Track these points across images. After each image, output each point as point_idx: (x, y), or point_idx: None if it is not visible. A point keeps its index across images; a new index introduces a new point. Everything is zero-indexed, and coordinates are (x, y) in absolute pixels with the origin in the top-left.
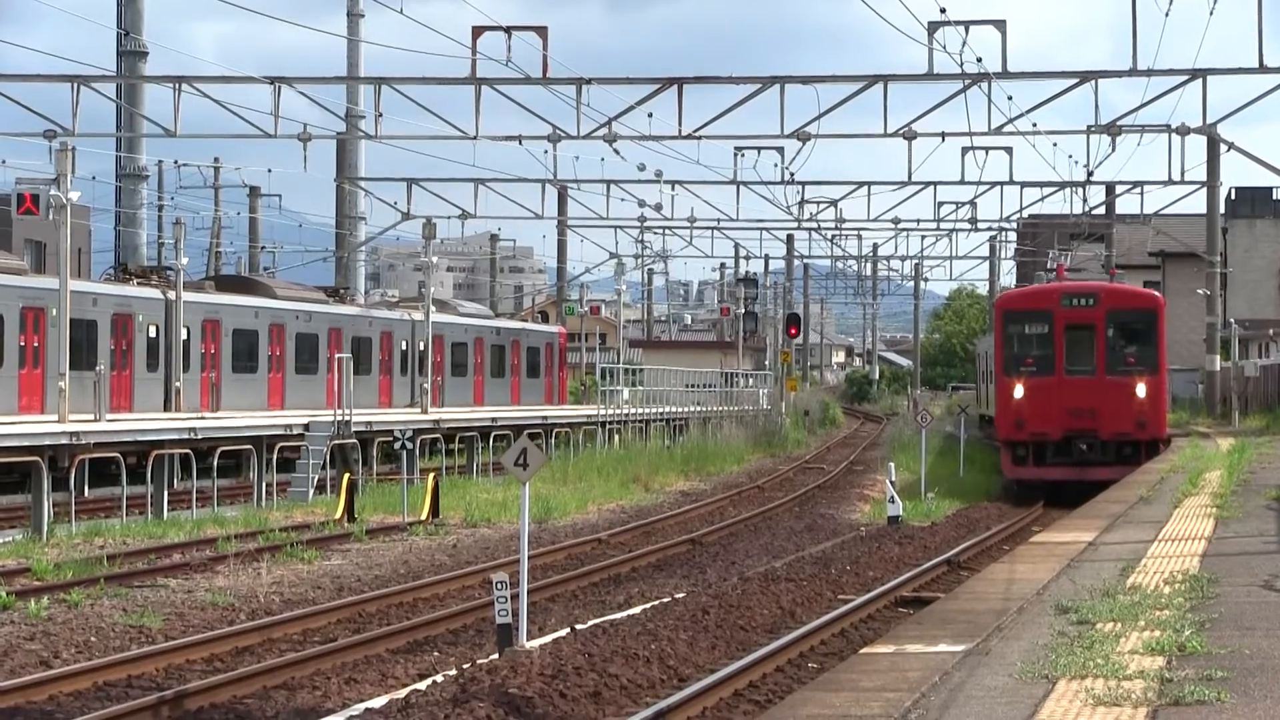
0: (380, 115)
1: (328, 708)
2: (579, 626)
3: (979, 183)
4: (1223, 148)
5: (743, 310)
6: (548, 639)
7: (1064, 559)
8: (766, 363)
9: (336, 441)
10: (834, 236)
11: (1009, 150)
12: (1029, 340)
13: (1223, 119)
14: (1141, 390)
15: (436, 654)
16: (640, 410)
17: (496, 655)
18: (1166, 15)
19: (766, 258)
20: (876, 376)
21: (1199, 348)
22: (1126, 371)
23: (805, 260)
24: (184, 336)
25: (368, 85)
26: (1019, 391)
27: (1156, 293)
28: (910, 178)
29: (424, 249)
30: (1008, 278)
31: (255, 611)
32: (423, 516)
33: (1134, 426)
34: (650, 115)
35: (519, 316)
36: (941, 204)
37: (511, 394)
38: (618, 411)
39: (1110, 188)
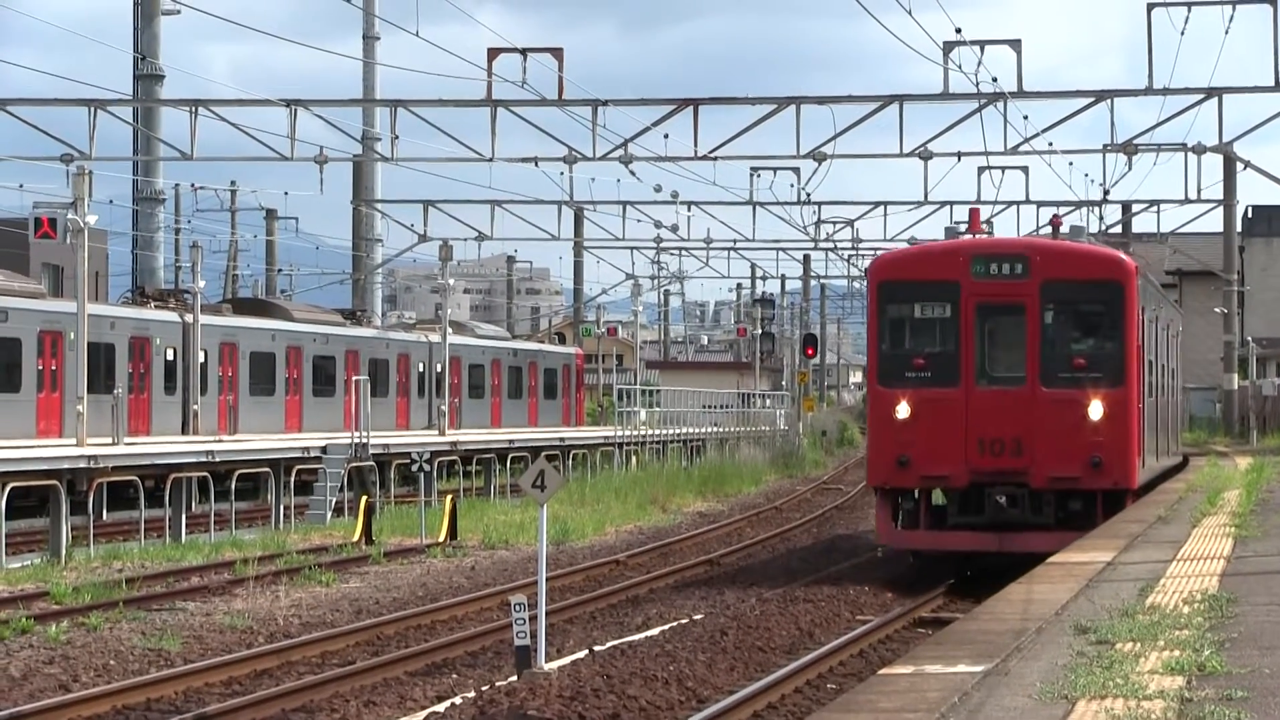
0: (396, 137)
1: None
2: (597, 648)
3: (995, 202)
4: (1239, 166)
5: (759, 331)
6: (566, 661)
7: (1083, 579)
8: (783, 383)
9: (354, 464)
10: (850, 256)
11: (1025, 169)
12: (920, 330)
13: (1239, 137)
14: (1097, 410)
15: (455, 676)
16: (657, 431)
17: (515, 677)
18: (1182, 34)
19: (783, 278)
20: None
21: (1216, 366)
22: (1074, 381)
23: (822, 280)
24: (201, 359)
25: (384, 108)
26: (901, 411)
27: (1123, 254)
28: (926, 197)
29: (441, 271)
30: None
31: (274, 634)
32: (440, 538)
33: (1084, 468)
34: (666, 136)
35: (536, 338)
36: (958, 223)
37: (529, 415)
38: (635, 433)
39: (1126, 206)
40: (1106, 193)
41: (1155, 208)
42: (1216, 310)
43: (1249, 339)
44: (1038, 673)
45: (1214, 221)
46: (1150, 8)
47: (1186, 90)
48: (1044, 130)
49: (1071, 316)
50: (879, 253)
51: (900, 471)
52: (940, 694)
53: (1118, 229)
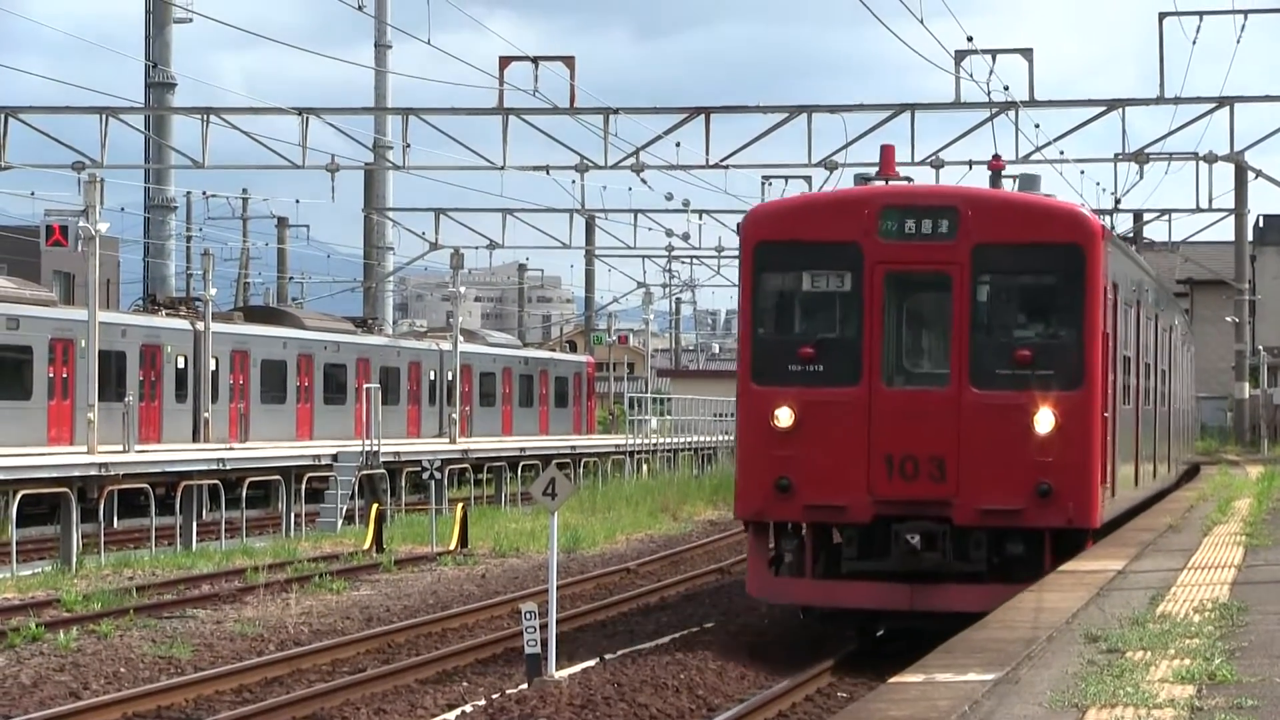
0: (408, 146)
1: None
2: (608, 656)
3: None
4: (1250, 175)
5: None
6: (576, 669)
7: (1093, 587)
8: None
9: (365, 472)
10: None
11: (1037, 178)
12: (809, 309)
13: (1250, 146)
14: (1046, 420)
15: (465, 684)
16: (668, 439)
17: (525, 685)
18: (1194, 43)
19: None
20: None
21: (1227, 375)
22: (1017, 380)
23: None
24: (212, 367)
25: (395, 116)
26: (782, 418)
27: (1083, 208)
28: None
29: (452, 279)
30: None
31: (284, 642)
32: (451, 546)
33: (1028, 498)
34: (678, 144)
35: (547, 346)
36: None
37: (540, 424)
38: (646, 441)
39: (1138, 215)
40: (1118, 201)
41: (1166, 217)
42: (1228, 319)
43: (1260, 348)
44: (1048, 681)
45: (1225, 230)
46: (1162, 17)
47: (1198, 99)
48: (1056, 139)
49: (1014, 293)
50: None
51: (779, 500)
52: (950, 702)
53: (1130, 238)
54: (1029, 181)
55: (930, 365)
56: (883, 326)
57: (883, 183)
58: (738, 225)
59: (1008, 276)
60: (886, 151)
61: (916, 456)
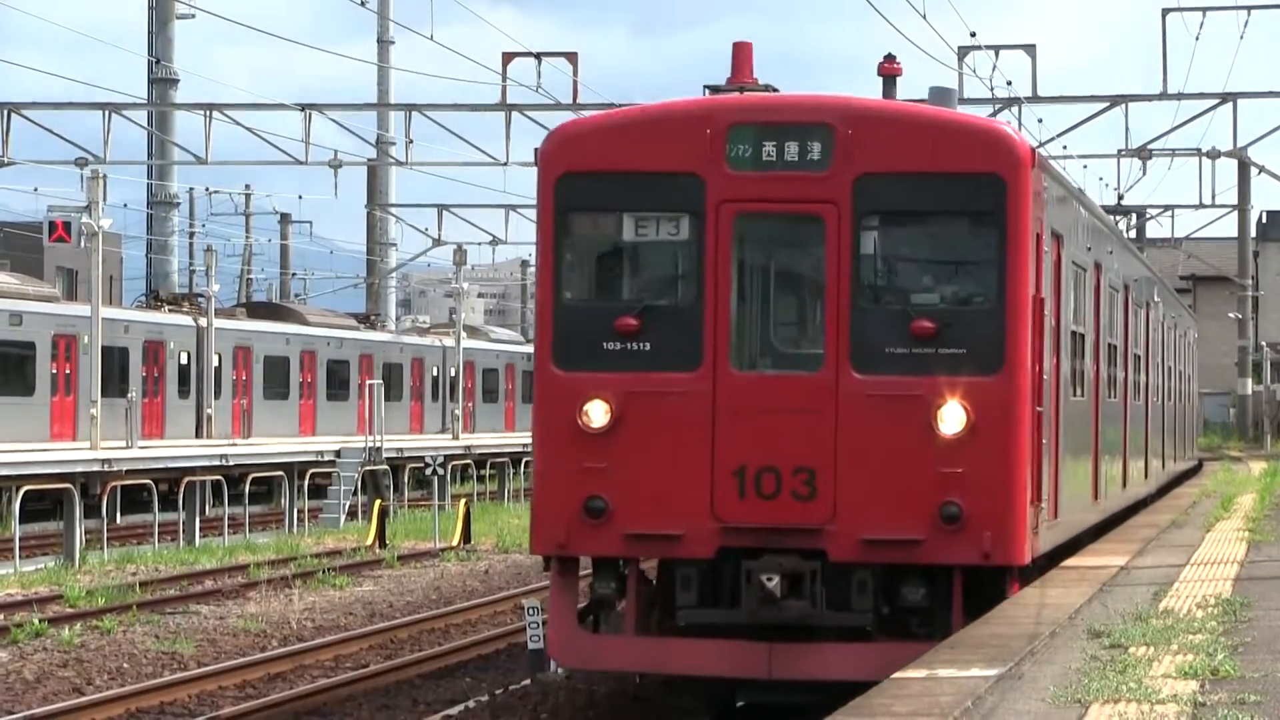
0: (411, 141)
1: None
2: None
3: None
4: (1254, 171)
5: None
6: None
7: (1096, 583)
8: None
9: (368, 468)
10: None
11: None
12: (631, 266)
13: (1253, 142)
14: (955, 417)
15: (468, 680)
16: None
17: (528, 681)
18: (1197, 39)
19: None
20: None
21: (1231, 371)
22: (914, 363)
23: None
24: (215, 363)
25: (398, 112)
26: (594, 415)
27: (1009, 128)
28: None
29: (455, 275)
30: None
31: (287, 638)
32: (454, 542)
33: (929, 524)
34: None
35: None
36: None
37: None
38: None
39: (1141, 211)
40: (1121, 197)
41: (1170, 213)
42: (1231, 315)
43: (1263, 343)
44: (1051, 677)
45: (1228, 226)
46: (1165, 13)
47: (1201, 95)
48: (1059, 135)
49: (911, 241)
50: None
51: (590, 528)
52: (953, 698)
53: (1132, 234)
54: (942, 96)
55: (797, 342)
56: (732, 289)
57: (737, 93)
58: (535, 151)
59: (902, 219)
60: (740, 50)
61: (778, 467)
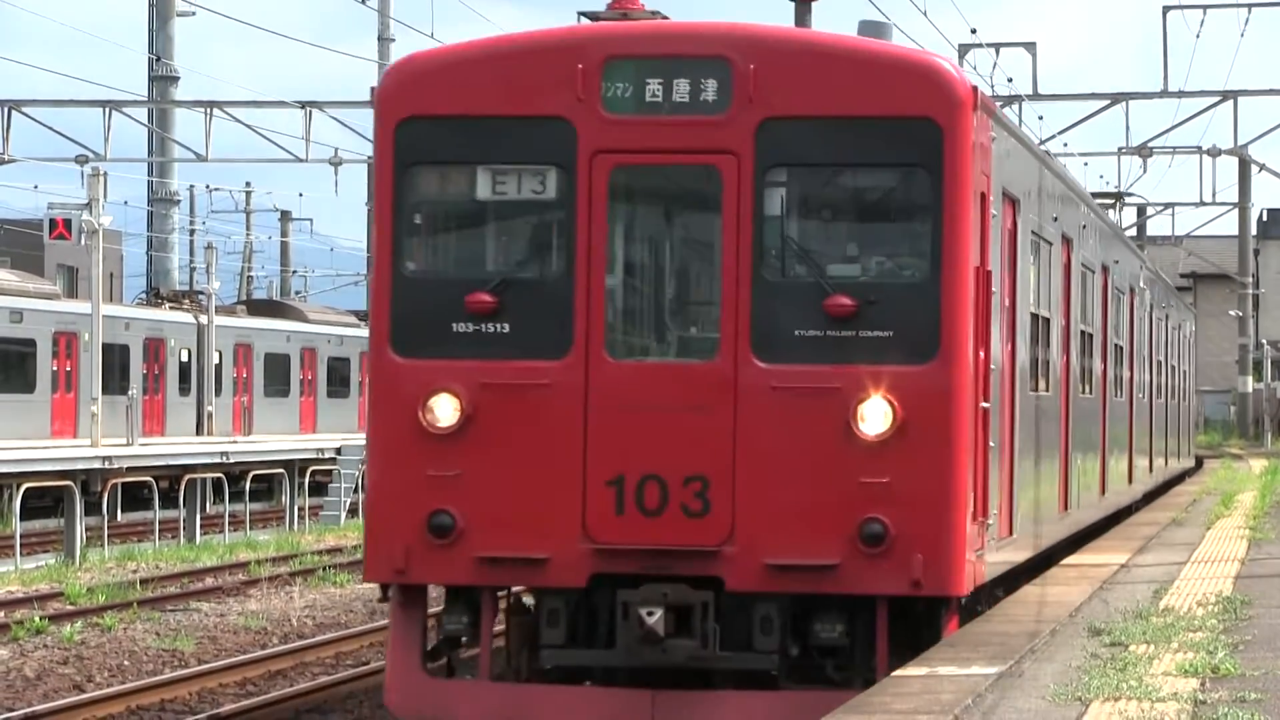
0: None
1: None
2: None
3: None
4: (1254, 169)
5: None
6: None
7: (1096, 581)
8: None
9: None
10: None
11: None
12: (487, 230)
13: (1254, 140)
14: (877, 415)
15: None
16: None
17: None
18: (1198, 37)
19: None
20: None
21: (1231, 369)
22: (830, 348)
23: None
24: (216, 360)
25: None
26: (441, 412)
27: (947, 63)
28: None
29: None
30: None
31: (288, 635)
32: None
33: (849, 546)
34: None
35: None
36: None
37: None
38: None
39: (1142, 209)
40: (1121, 195)
41: (1170, 210)
42: (1231, 313)
43: (1264, 341)
44: (1051, 674)
45: (1229, 224)
46: (1166, 10)
47: (1202, 93)
48: (1059, 132)
49: (825, 201)
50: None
51: (436, 549)
52: (954, 695)
53: (1132, 231)
54: (874, 30)
55: (687, 324)
56: (608, 259)
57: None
58: (371, 91)
59: (815, 173)
60: None
61: (663, 477)
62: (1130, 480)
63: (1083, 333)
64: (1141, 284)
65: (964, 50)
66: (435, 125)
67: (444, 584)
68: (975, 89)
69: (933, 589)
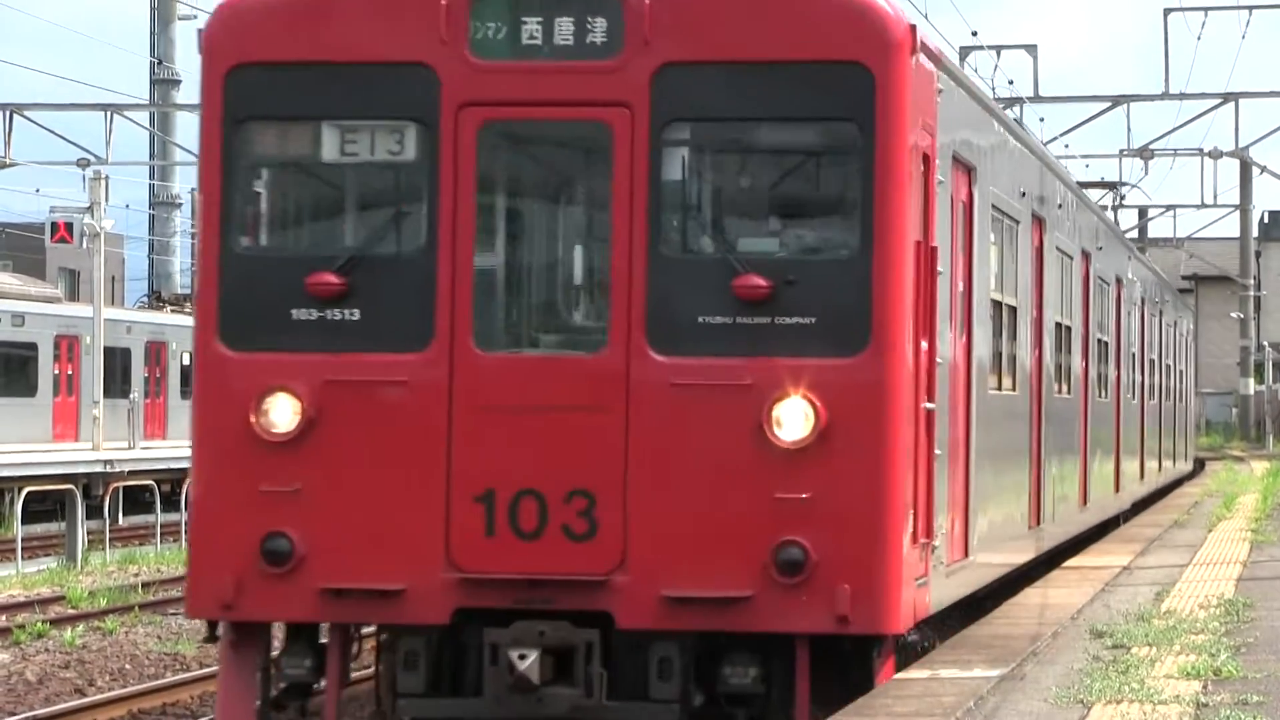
0: None
1: None
2: None
3: None
4: (1256, 171)
5: None
6: None
7: (1098, 583)
8: None
9: None
10: None
11: None
12: (333, 197)
13: (1255, 142)
14: (801, 420)
15: None
16: None
17: None
18: (1199, 39)
19: None
20: None
21: (1233, 371)
22: (740, 338)
23: None
24: None
25: None
26: (277, 414)
27: (886, 3)
28: None
29: None
30: None
31: None
32: None
33: (762, 575)
34: None
35: None
36: None
37: None
38: None
39: (1143, 211)
40: (1122, 198)
41: (1171, 212)
42: (1233, 315)
43: (1265, 344)
44: (1053, 677)
45: (1230, 226)
46: (1167, 12)
47: (1203, 95)
48: (1061, 134)
49: (736, 162)
50: None
51: (271, 579)
52: (955, 698)
53: (1134, 234)
54: None
55: (570, 310)
56: (477, 233)
57: None
58: (198, 33)
59: (723, 129)
60: None
61: (542, 492)
62: (1118, 489)
63: (1059, 325)
64: (1130, 275)
65: (965, 52)
66: (271, 73)
67: (281, 620)
68: (914, 28)
69: (862, 626)
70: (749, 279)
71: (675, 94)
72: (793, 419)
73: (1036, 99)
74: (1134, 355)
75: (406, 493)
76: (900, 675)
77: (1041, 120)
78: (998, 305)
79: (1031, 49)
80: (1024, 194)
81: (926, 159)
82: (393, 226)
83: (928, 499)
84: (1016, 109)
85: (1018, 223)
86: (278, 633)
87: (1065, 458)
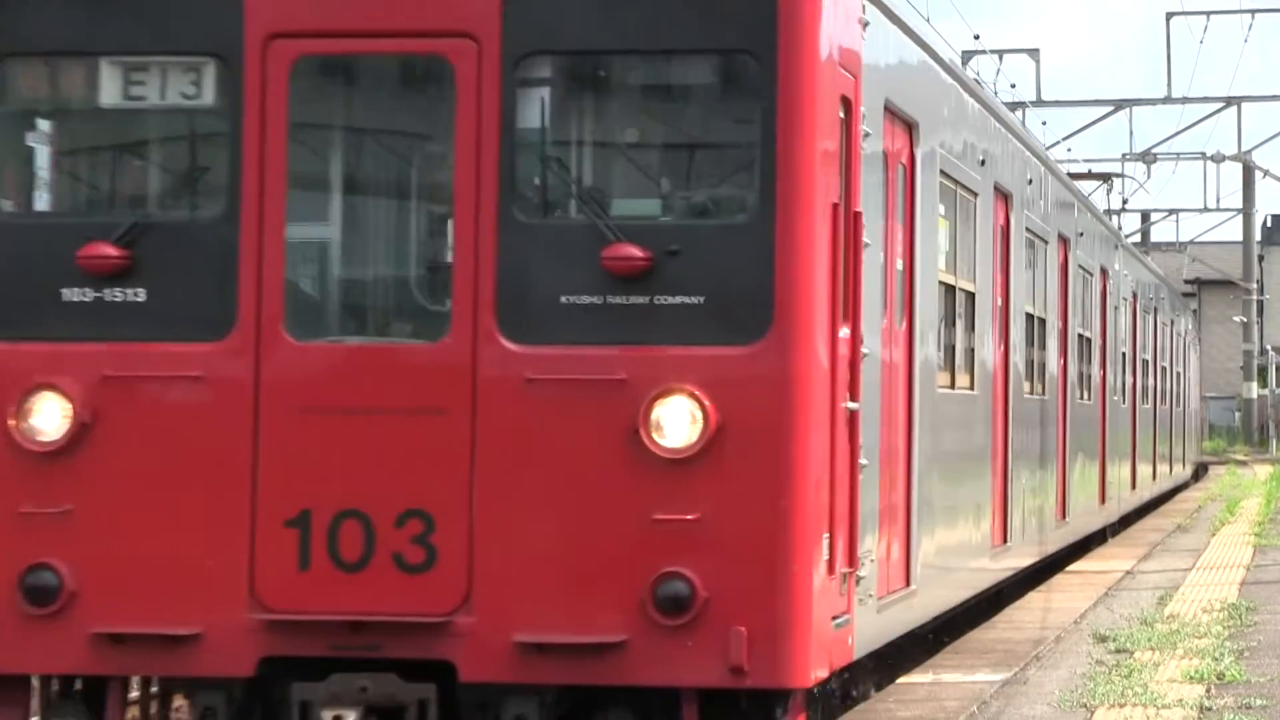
0: None
1: None
2: None
3: None
4: (1258, 175)
5: None
6: None
7: (1101, 588)
8: None
9: None
10: None
11: None
12: (111, 151)
13: (1258, 146)
14: (685, 423)
15: None
16: None
17: None
18: (1201, 43)
19: None
20: None
21: (1236, 375)
22: (616, 324)
23: None
24: None
25: None
26: (43, 421)
27: None
28: None
29: None
30: None
31: None
32: None
33: (639, 615)
34: None
35: None
36: None
37: None
38: None
39: (1145, 215)
40: (1125, 201)
41: (1174, 216)
42: (1236, 319)
43: (1268, 347)
44: (1056, 681)
45: (1233, 230)
46: (1169, 16)
47: (1205, 99)
48: (1063, 139)
49: (606, 106)
50: None
51: (33, 621)
52: (959, 703)
53: (1136, 238)
54: None
55: (404, 289)
56: (287, 193)
57: None
58: None
59: (591, 64)
60: None
61: (368, 513)
62: (1103, 500)
63: (1031, 318)
64: (1118, 267)
65: (967, 56)
66: (36, 1)
67: (46, 673)
68: None
69: (761, 678)
70: (623, 249)
71: (531, 22)
72: (676, 422)
73: (1039, 103)
74: (1123, 355)
75: (202, 515)
76: (903, 679)
77: (1044, 124)
78: (950, 290)
79: (1034, 53)
80: (983, 162)
81: (848, 105)
82: (186, 187)
83: (850, 519)
84: (1019, 113)
85: (976, 195)
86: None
87: (1039, 466)
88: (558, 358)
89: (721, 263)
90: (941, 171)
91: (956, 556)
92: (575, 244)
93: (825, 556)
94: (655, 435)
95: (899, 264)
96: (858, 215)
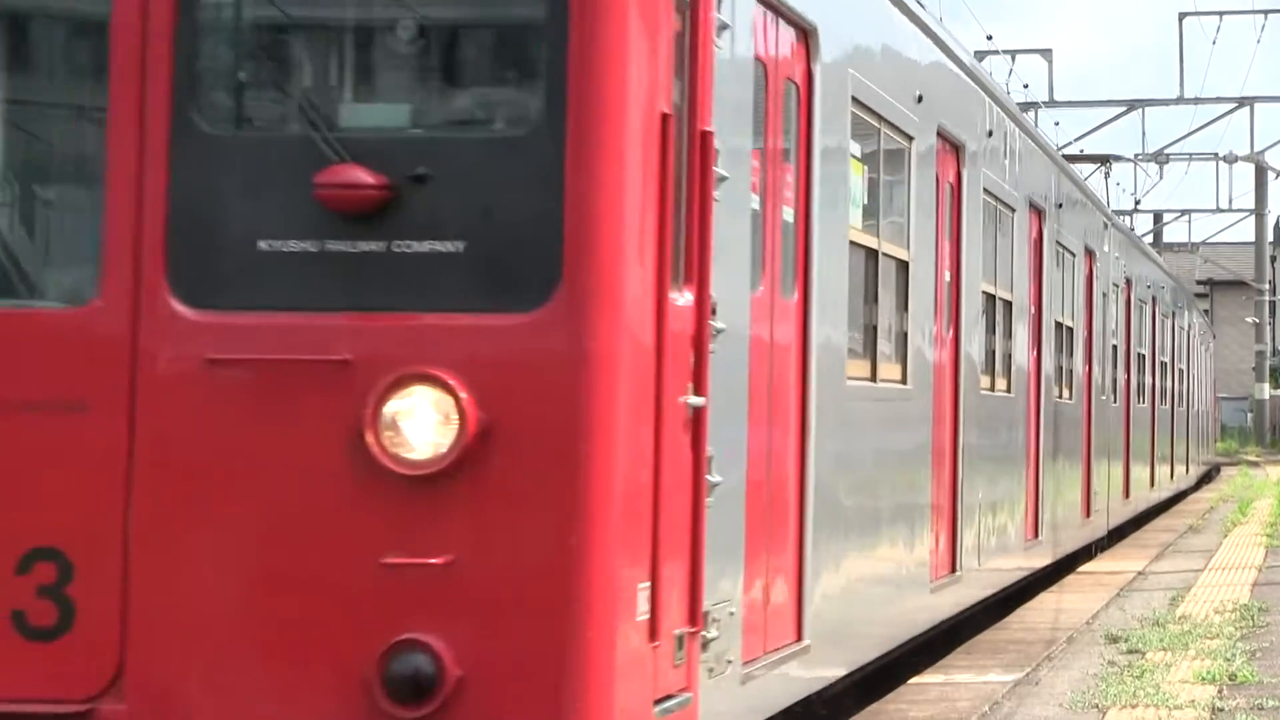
0: None
1: None
2: None
3: None
4: (1271, 175)
5: None
6: None
7: (1113, 588)
8: None
9: None
10: None
11: None
12: None
13: (1270, 146)
14: (431, 425)
15: None
16: None
17: None
18: (1214, 44)
19: None
20: None
21: (1248, 376)
22: (336, 281)
23: None
24: None
25: None
26: None
27: None
28: None
29: None
30: None
31: None
32: None
33: (362, 698)
34: None
35: None
36: None
37: None
38: None
39: (1158, 216)
40: (1138, 202)
41: (1186, 217)
42: (1248, 320)
43: None
44: (1068, 682)
45: (1245, 231)
46: (1182, 17)
47: (1218, 99)
48: (1076, 139)
49: (302, 31)
50: None
51: None
52: (970, 703)
53: (1149, 238)
54: None
55: (33, 233)
56: None
57: None
58: None
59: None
60: None
61: None
62: (1087, 513)
63: (992, 299)
64: (1107, 248)
65: (980, 57)
66: None
67: None
68: None
69: None
70: (348, 172)
71: None
72: (420, 423)
73: (1052, 103)
74: (1114, 348)
75: None
76: (915, 680)
77: (1057, 124)
78: (871, 254)
79: (1046, 54)
80: (921, 98)
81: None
82: None
83: (691, 559)
84: (1032, 113)
85: (910, 138)
86: None
87: (1000, 477)
88: (253, 329)
89: (490, 195)
90: (857, 100)
91: (878, 596)
92: (282, 166)
93: (643, 614)
94: (389, 442)
95: (784, 213)
96: (705, 135)
